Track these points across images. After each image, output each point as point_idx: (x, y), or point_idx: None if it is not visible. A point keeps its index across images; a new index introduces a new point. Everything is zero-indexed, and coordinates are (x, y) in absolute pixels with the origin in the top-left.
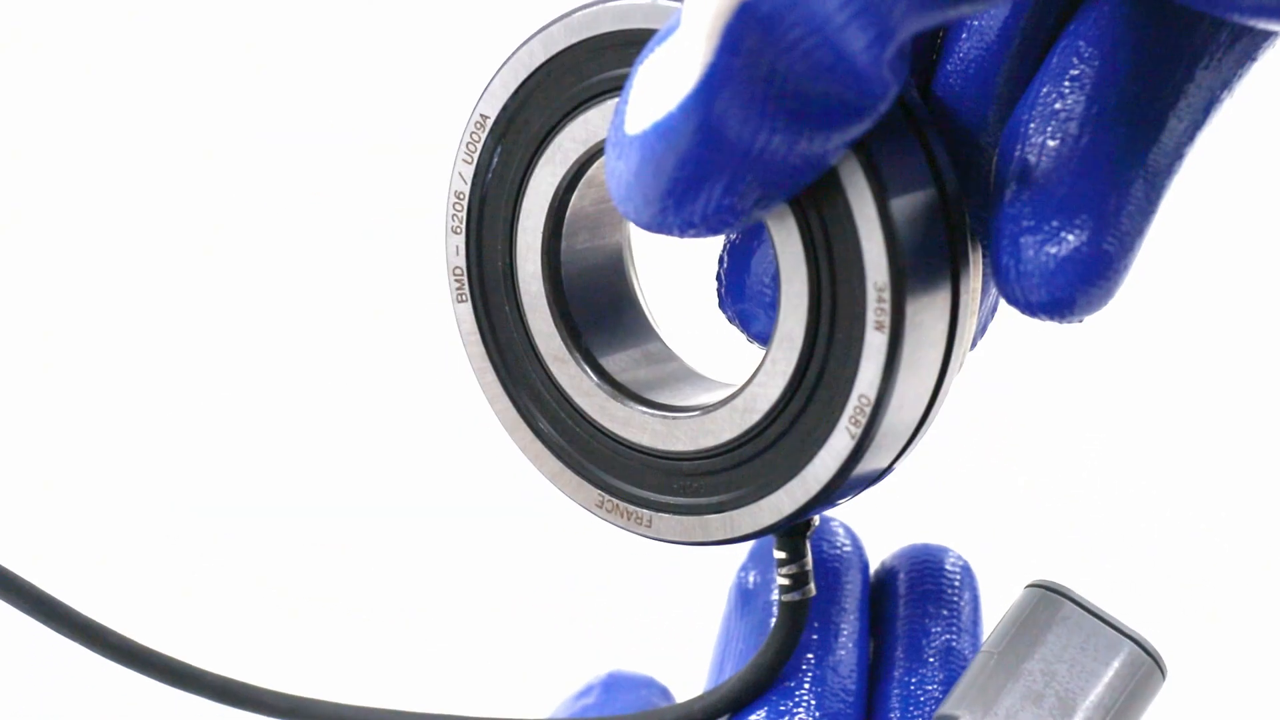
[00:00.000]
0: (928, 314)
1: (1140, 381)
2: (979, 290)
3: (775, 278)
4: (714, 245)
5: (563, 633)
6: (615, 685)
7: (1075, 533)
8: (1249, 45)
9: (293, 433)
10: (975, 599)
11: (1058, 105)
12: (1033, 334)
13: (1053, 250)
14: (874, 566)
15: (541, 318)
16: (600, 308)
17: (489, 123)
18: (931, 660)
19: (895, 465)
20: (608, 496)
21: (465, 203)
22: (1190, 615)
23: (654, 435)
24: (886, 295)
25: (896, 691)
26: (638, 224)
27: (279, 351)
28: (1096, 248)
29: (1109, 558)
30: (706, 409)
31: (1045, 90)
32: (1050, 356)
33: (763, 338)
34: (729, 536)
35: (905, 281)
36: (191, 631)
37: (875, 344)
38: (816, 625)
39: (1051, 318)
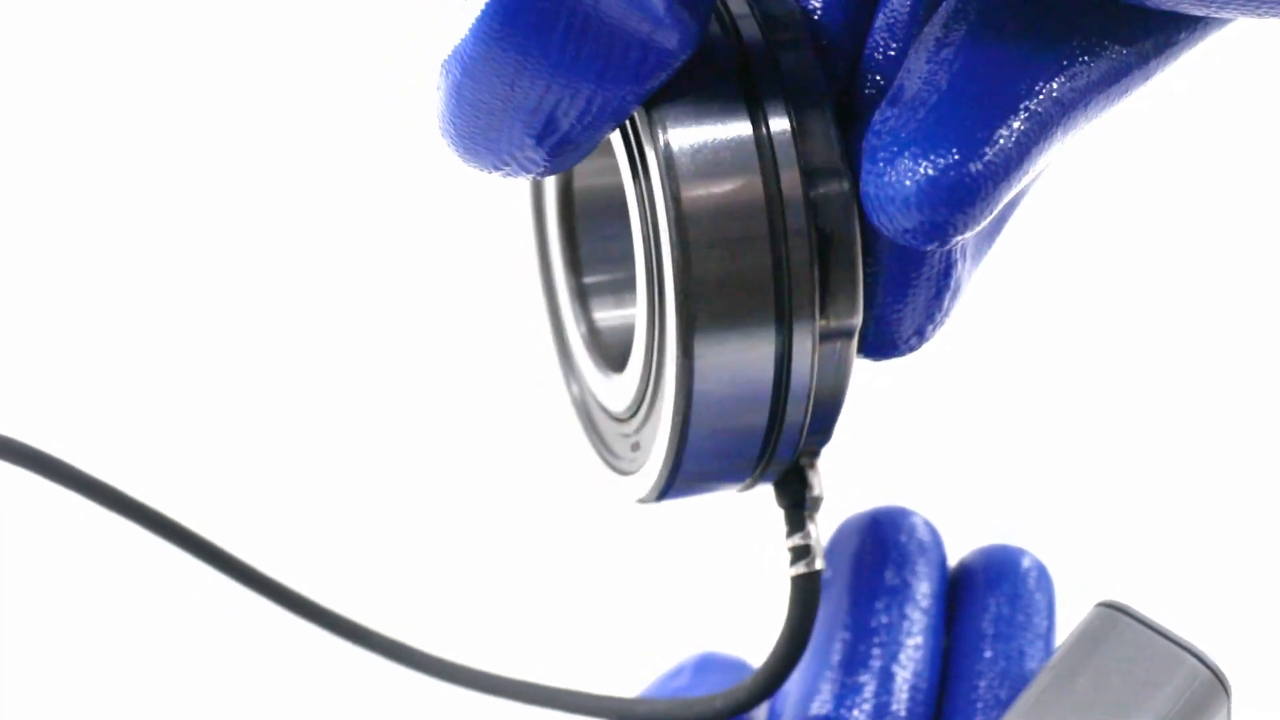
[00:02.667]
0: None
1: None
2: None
3: None
4: None
5: (654, 617)
6: (707, 666)
7: (1157, 548)
8: (1166, 32)
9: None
10: (1050, 603)
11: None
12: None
13: (911, 177)
14: (952, 564)
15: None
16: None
17: None
18: (1003, 663)
19: None
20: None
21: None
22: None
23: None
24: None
25: (965, 692)
26: (458, 156)
27: (281, 352)
28: (960, 175)
29: (1194, 574)
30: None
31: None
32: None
33: None
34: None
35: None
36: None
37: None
38: (885, 619)
39: (917, 244)
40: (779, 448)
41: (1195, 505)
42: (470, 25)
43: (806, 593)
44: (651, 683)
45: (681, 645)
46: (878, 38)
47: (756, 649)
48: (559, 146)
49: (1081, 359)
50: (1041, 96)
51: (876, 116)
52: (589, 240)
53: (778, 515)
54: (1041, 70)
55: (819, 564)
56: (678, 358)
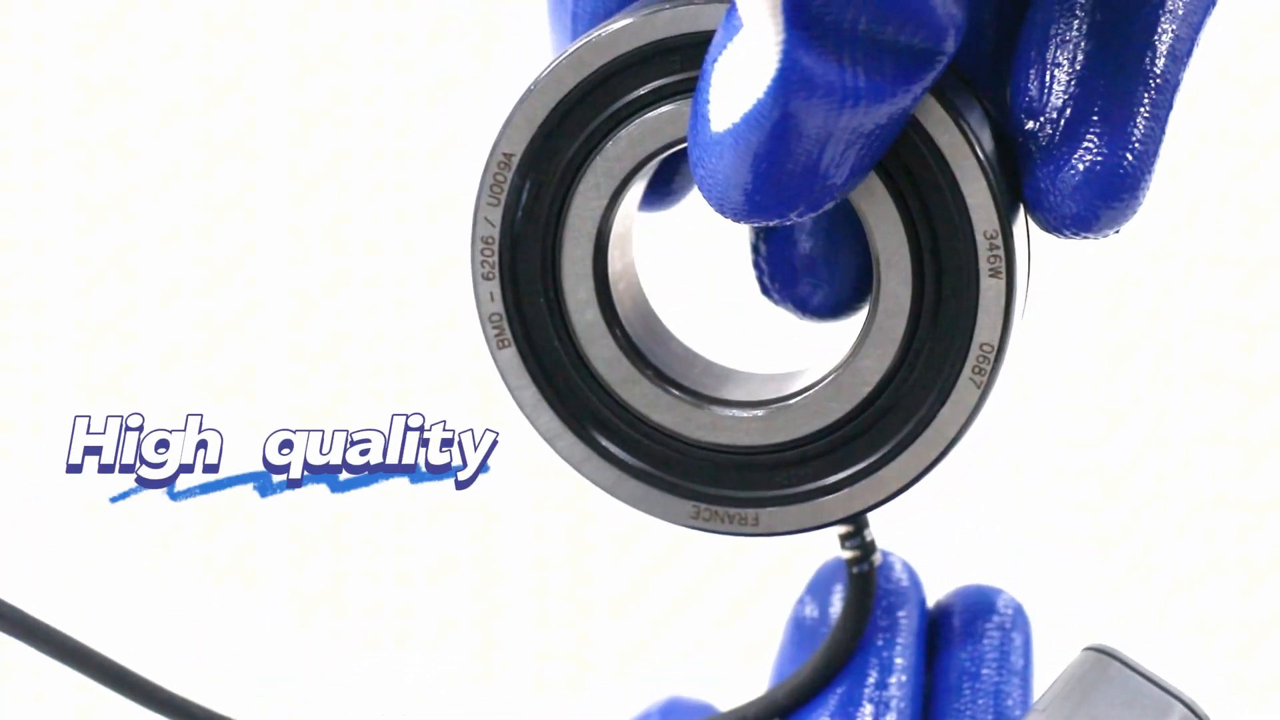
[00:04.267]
0: (1020, 253)
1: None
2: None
3: (840, 248)
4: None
5: (620, 659)
6: (674, 711)
7: (1139, 585)
8: None
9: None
10: (1027, 642)
11: (1052, 29)
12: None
13: (1075, 169)
14: (930, 604)
15: (602, 344)
16: (645, 322)
17: (514, 160)
18: (981, 702)
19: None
20: (703, 506)
21: (496, 246)
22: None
23: (751, 433)
24: (999, 241)
25: None
26: (736, 218)
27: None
28: (1114, 158)
29: (1178, 611)
30: (806, 393)
31: (1037, 14)
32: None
33: (823, 310)
34: (849, 513)
35: (1011, 224)
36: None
37: (993, 291)
38: (874, 661)
39: (1080, 233)
40: None
41: (1170, 544)
42: (764, 86)
43: (867, 590)
44: None
45: (648, 688)
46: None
47: (722, 693)
48: (853, 174)
49: (1056, 396)
50: (1156, 59)
51: (1025, 123)
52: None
53: (748, 559)
54: (1146, 32)
55: (879, 558)
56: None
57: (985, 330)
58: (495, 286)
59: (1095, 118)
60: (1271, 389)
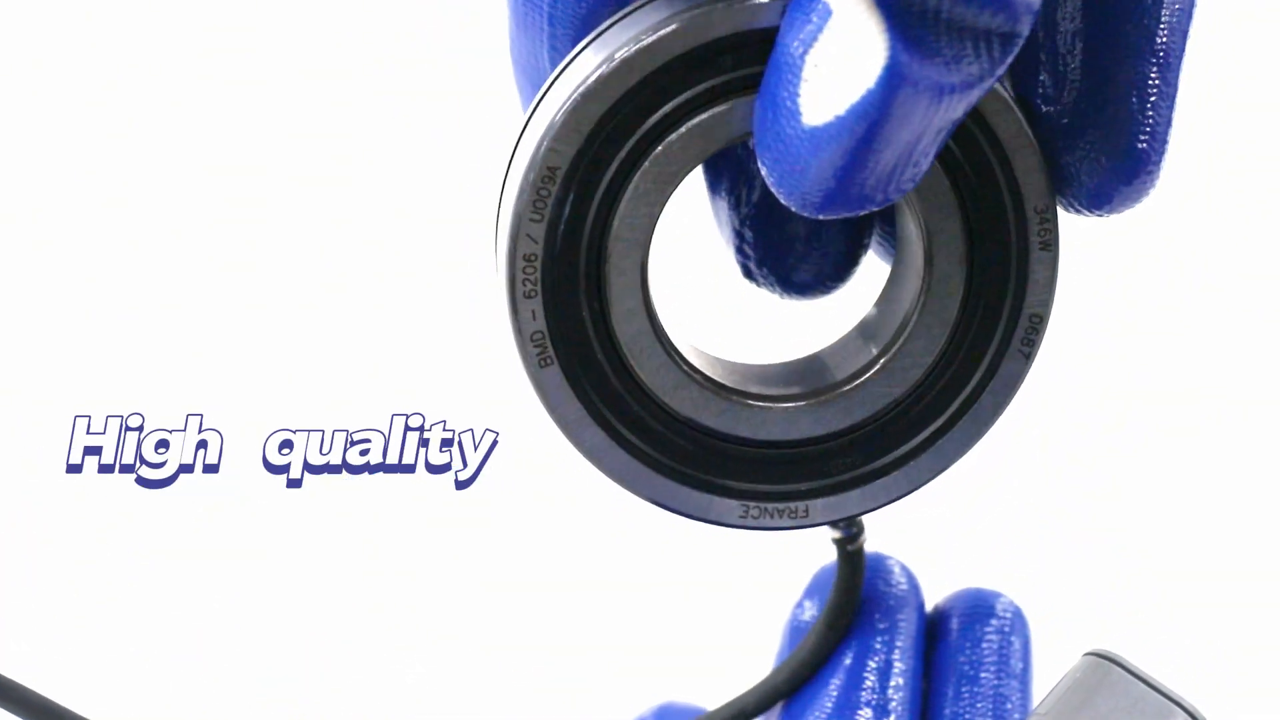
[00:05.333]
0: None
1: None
2: None
3: (827, 224)
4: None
5: (619, 659)
6: (667, 715)
7: (1139, 588)
8: None
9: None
10: (1026, 645)
11: (1058, 13)
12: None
13: (1092, 149)
14: (928, 608)
15: (650, 353)
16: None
17: (559, 173)
18: (980, 705)
19: None
20: (752, 504)
21: (539, 262)
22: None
23: (802, 426)
24: (1049, 214)
25: None
26: (813, 210)
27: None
28: (1130, 136)
29: (1178, 615)
30: (856, 381)
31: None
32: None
33: (807, 288)
34: (902, 493)
35: (1055, 197)
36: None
37: (1043, 263)
38: (872, 663)
39: (1098, 210)
40: None
41: (1171, 546)
42: (875, 76)
43: (857, 568)
44: None
45: (647, 689)
46: None
47: (719, 697)
48: (934, 160)
49: (1056, 397)
50: (1161, 36)
51: (1040, 105)
52: None
53: (747, 560)
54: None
55: (866, 539)
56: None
57: (1035, 302)
58: (538, 304)
59: (1107, 98)
60: (1272, 389)
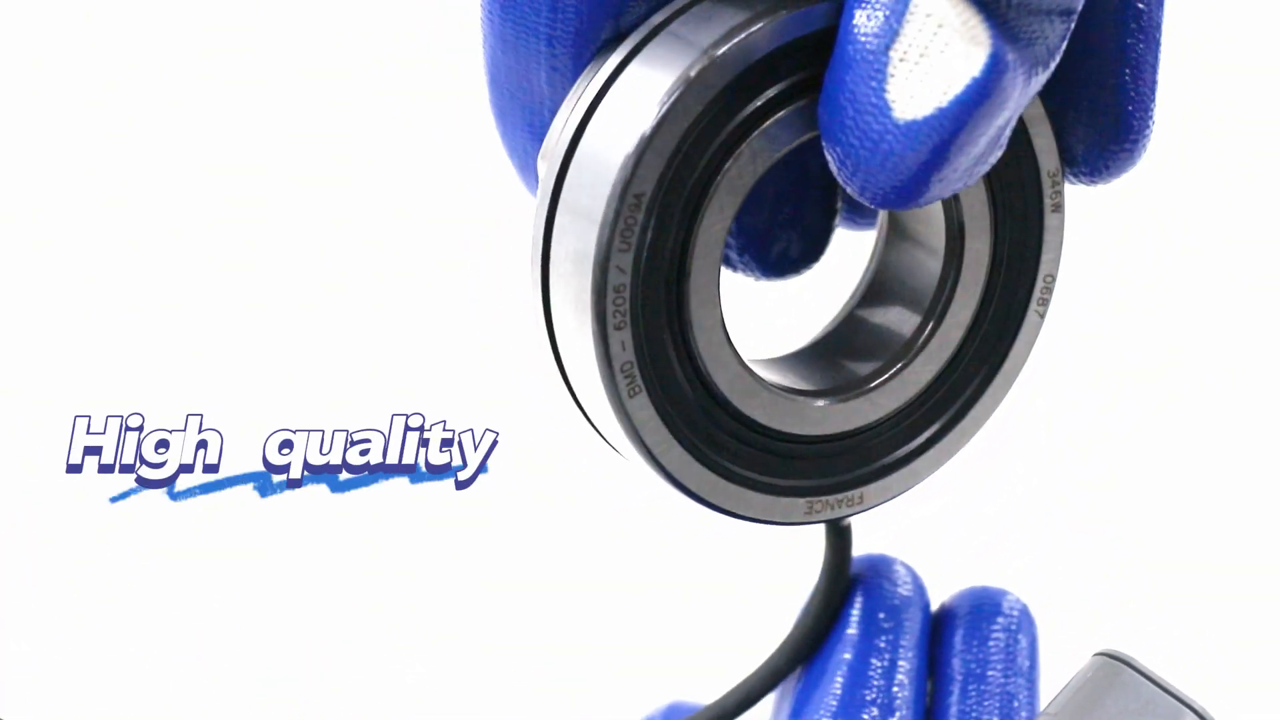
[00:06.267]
0: None
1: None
2: None
3: (806, 206)
4: None
5: (621, 659)
6: (676, 714)
7: (1146, 585)
8: None
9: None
10: (1033, 642)
11: None
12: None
13: (1081, 119)
14: (933, 607)
15: (725, 363)
16: None
17: (644, 199)
18: (987, 702)
19: None
20: (815, 499)
21: (628, 293)
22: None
23: (859, 414)
24: (1059, 178)
25: None
26: (901, 203)
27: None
28: (1117, 105)
29: (1186, 614)
30: (901, 362)
31: None
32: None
33: (784, 267)
34: (941, 463)
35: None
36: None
37: (1054, 225)
38: (877, 664)
39: (1088, 178)
40: None
41: (1179, 545)
42: (980, 65)
43: (844, 540)
44: None
45: (649, 689)
46: None
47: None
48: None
49: (1063, 396)
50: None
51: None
52: None
53: (749, 560)
54: None
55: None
56: None
57: (1048, 262)
58: (627, 335)
59: (1095, 69)
60: (1274, 388)
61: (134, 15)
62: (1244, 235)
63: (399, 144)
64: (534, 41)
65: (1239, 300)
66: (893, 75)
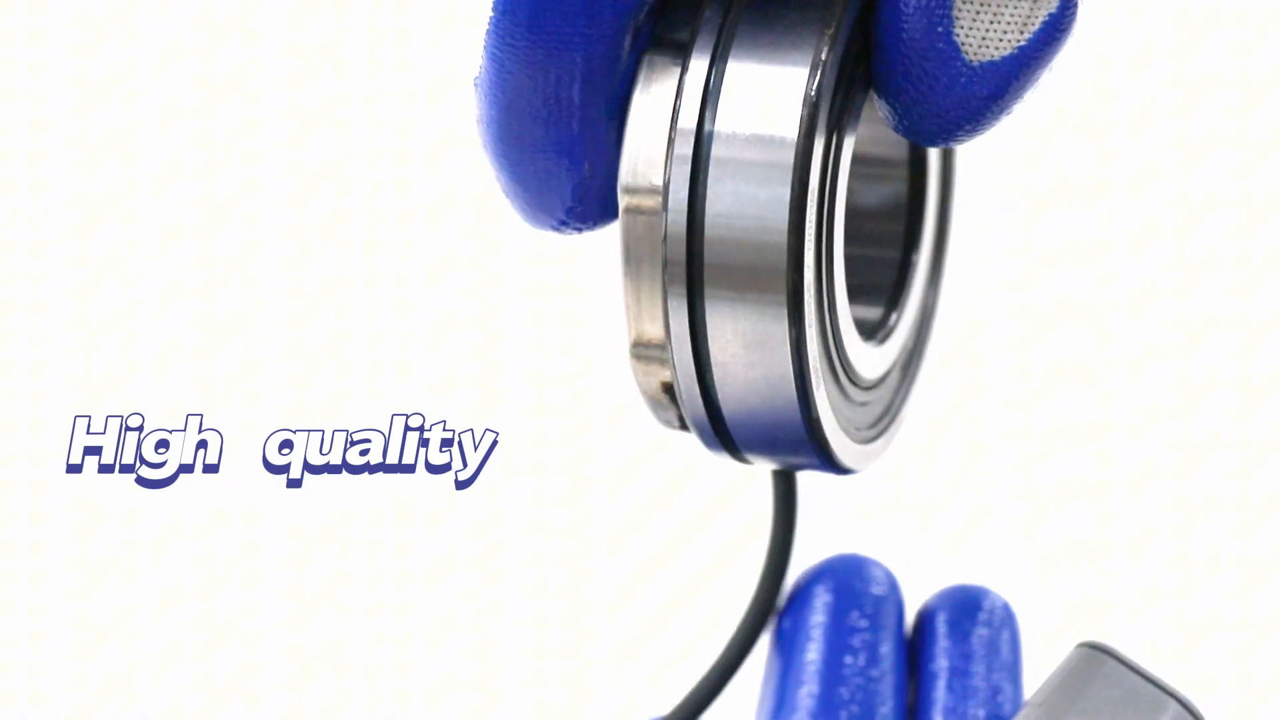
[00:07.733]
0: None
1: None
2: None
3: None
4: None
5: (620, 660)
6: None
7: (1128, 583)
8: None
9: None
10: (1014, 638)
11: None
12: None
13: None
14: (914, 608)
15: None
16: None
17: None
18: (972, 696)
19: None
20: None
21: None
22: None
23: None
24: None
25: None
26: (952, 140)
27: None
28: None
29: (1169, 609)
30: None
31: None
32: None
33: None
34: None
35: None
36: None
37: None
38: (853, 662)
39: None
40: None
41: (1160, 541)
42: (1056, 4)
43: (790, 484)
44: None
45: (648, 690)
46: None
47: (716, 701)
48: None
49: (1042, 392)
50: None
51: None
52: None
53: (748, 560)
54: None
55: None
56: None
57: None
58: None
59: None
60: (1271, 387)
61: (134, 15)
62: (1243, 235)
63: (399, 144)
64: (568, 52)
65: (1238, 300)
66: (958, 18)
